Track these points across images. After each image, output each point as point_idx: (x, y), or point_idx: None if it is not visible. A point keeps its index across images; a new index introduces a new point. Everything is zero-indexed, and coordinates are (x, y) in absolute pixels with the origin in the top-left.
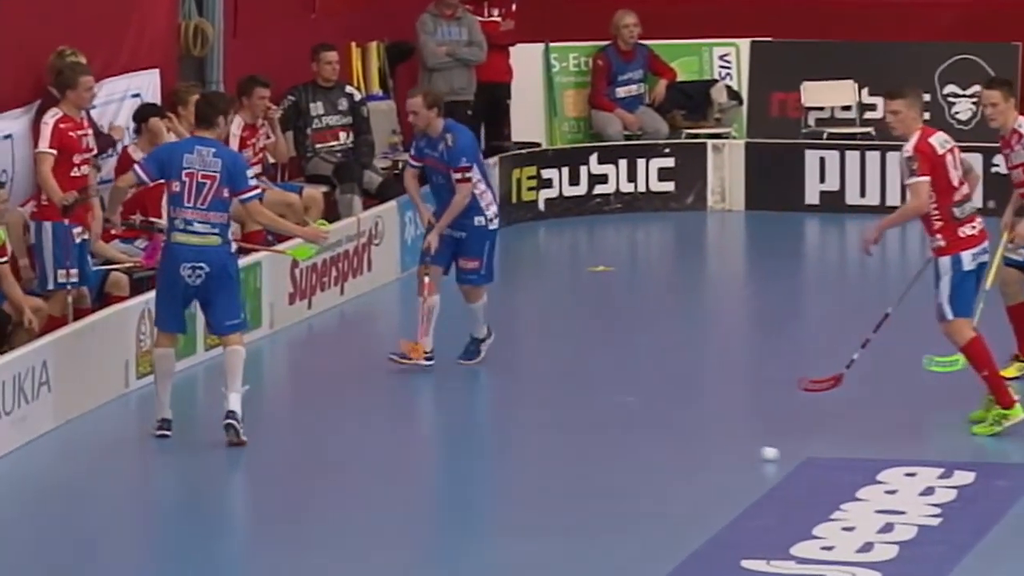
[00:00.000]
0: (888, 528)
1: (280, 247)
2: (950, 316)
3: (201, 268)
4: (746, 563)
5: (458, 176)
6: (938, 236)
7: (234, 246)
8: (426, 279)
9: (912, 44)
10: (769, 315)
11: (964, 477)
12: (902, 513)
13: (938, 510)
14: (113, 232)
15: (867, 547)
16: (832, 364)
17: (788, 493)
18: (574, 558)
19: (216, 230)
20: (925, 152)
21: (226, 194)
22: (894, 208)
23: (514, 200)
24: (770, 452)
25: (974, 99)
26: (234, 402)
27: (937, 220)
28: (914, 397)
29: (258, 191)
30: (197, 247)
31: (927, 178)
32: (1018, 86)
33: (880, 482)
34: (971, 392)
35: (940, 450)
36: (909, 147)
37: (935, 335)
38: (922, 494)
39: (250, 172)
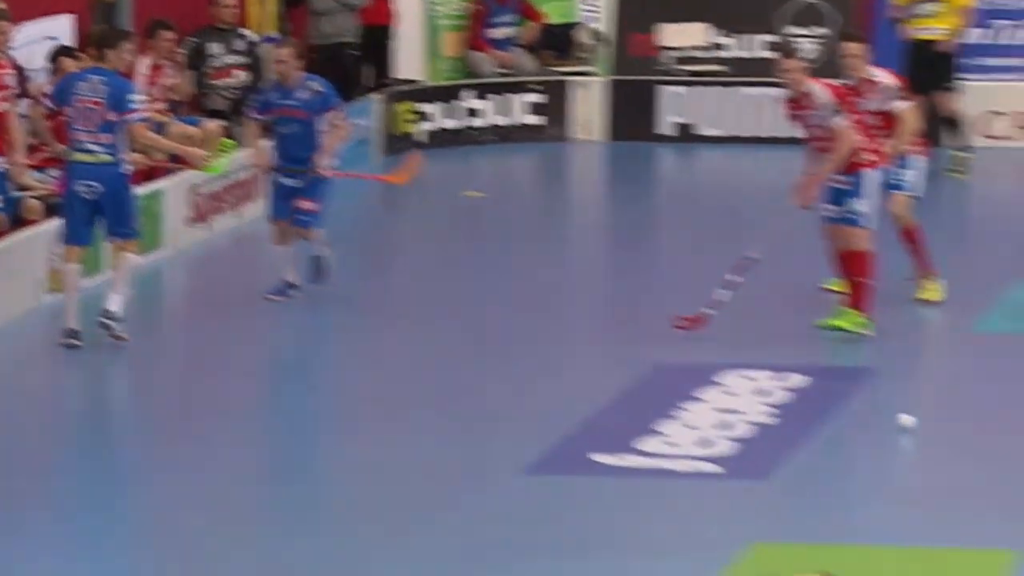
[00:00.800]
0: (727, 426)
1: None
2: (865, 225)
3: (95, 185)
4: (594, 456)
5: (334, 116)
6: (868, 153)
7: (127, 166)
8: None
9: None
10: (627, 235)
11: (799, 380)
12: (741, 412)
13: (775, 410)
14: (28, 162)
15: (707, 443)
16: (682, 279)
17: (636, 395)
18: (430, 456)
19: (107, 150)
20: (840, 95)
21: (113, 117)
22: (745, 139)
23: (395, 132)
24: (907, 420)
25: (816, 40)
26: (113, 303)
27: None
28: (758, 306)
29: (140, 114)
30: (91, 165)
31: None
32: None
33: (720, 384)
34: (812, 304)
35: (777, 355)
36: (825, 96)
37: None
38: (759, 395)
39: (136, 97)
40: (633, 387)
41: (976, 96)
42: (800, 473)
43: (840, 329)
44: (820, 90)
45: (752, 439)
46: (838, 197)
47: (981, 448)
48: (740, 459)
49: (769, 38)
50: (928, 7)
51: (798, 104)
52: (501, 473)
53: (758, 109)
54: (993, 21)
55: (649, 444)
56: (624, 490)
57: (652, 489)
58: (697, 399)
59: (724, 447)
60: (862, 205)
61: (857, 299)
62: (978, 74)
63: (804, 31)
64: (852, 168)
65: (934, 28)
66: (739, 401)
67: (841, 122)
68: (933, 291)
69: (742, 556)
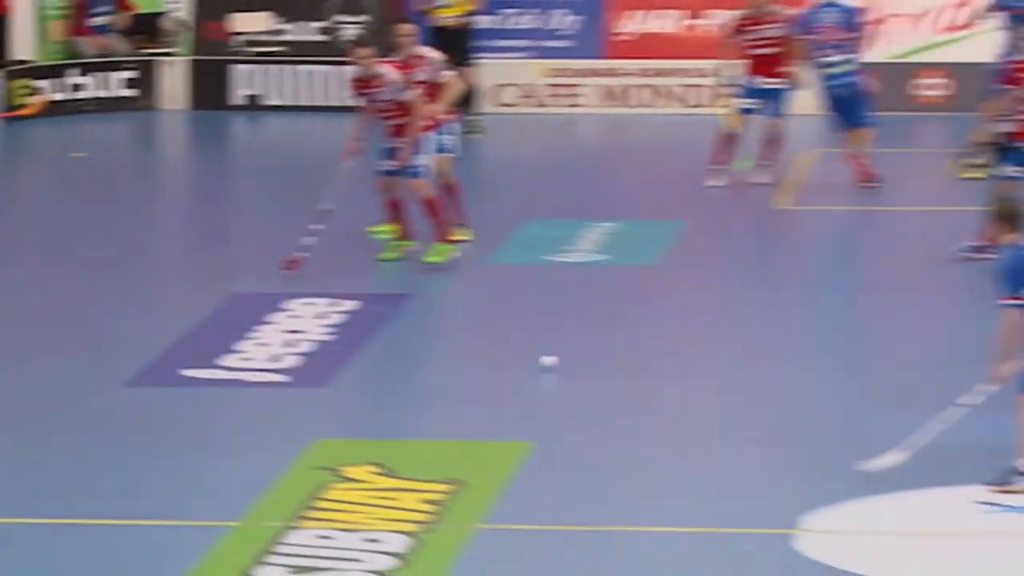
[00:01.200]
0: (293, 343)
1: None
2: (426, 176)
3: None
4: (184, 372)
5: None
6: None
7: None
8: None
9: None
10: (210, 189)
11: (352, 305)
12: (304, 332)
13: (333, 329)
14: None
15: (277, 358)
16: (260, 226)
17: (218, 320)
18: (46, 374)
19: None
20: (404, 72)
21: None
22: (304, 108)
23: (12, 104)
24: (548, 360)
25: (359, 25)
26: None
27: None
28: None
29: None
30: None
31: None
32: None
33: (287, 310)
34: (365, 244)
35: (334, 286)
36: (394, 75)
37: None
38: (319, 318)
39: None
40: (216, 313)
41: (489, 71)
42: (355, 381)
43: (438, 263)
44: (389, 70)
45: (314, 353)
46: (397, 154)
47: (492, 357)
48: (304, 370)
49: (320, 24)
50: None
51: (367, 83)
52: (105, 387)
53: (313, 82)
54: (502, 9)
55: (229, 360)
56: (209, 399)
57: (233, 398)
58: (268, 323)
59: (291, 361)
60: (423, 160)
61: (441, 234)
62: (490, 53)
63: (349, 18)
64: (415, 132)
65: (450, 16)
66: (303, 323)
67: (412, 95)
68: (464, 234)
69: (308, 451)
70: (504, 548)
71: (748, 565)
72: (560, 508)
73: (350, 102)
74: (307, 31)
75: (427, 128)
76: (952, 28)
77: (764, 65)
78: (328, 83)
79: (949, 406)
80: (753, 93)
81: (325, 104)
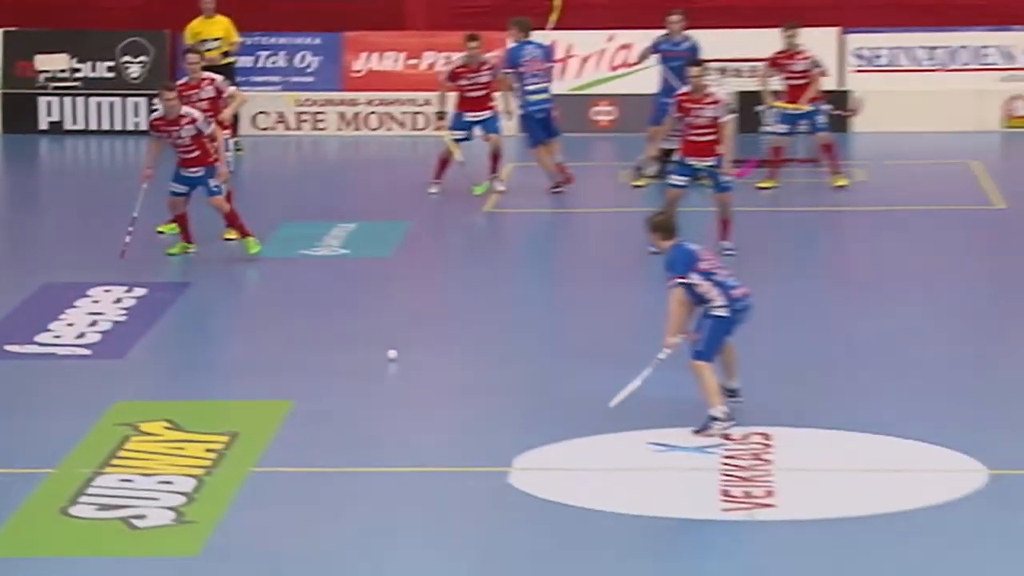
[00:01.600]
0: (95, 323)
1: None
2: (220, 193)
3: None
4: (7, 347)
5: None
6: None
7: None
8: None
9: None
10: (16, 198)
11: (142, 291)
12: (104, 314)
13: (126, 311)
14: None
15: (82, 335)
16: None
17: (33, 305)
18: None
19: None
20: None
21: None
22: (98, 131)
23: None
24: (392, 353)
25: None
26: None
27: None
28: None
29: None
30: None
31: None
32: (167, 68)
33: (90, 296)
34: (156, 240)
35: (127, 275)
36: (200, 115)
37: None
38: (116, 302)
39: None
40: (31, 300)
41: (247, 101)
42: (146, 353)
43: (256, 253)
44: (193, 111)
45: (112, 331)
46: (199, 179)
47: (259, 332)
48: (105, 345)
49: (109, 63)
50: None
51: (172, 122)
52: None
53: (102, 111)
54: (258, 51)
55: (43, 337)
56: (28, 369)
57: (47, 368)
58: (74, 307)
59: (94, 337)
60: (217, 181)
61: (243, 232)
62: (248, 86)
63: (132, 58)
64: (210, 161)
65: (215, 55)
66: (103, 306)
67: (211, 128)
68: (231, 233)
69: (110, 411)
70: (272, 487)
71: (471, 497)
72: (317, 454)
73: (132, 126)
74: (99, 69)
75: (216, 160)
76: (619, 66)
77: (475, 103)
78: (114, 111)
79: (651, 362)
80: (464, 125)
81: (112, 129)
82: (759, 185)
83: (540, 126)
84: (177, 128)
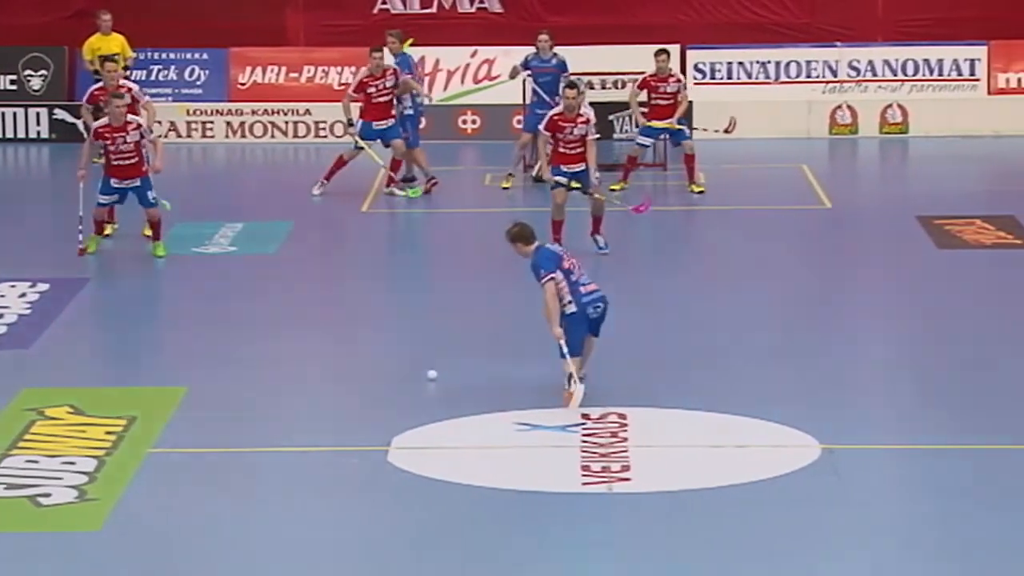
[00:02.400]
0: (1, 316)
1: None
2: (159, 204)
3: None
4: None
5: None
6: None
7: None
8: None
9: None
10: None
11: (44, 286)
12: (9, 307)
13: (29, 305)
14: None
15: None
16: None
17: None
18: None
19: None
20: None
21: None
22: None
23: None
24: (432, 373)
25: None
26: None
27: None
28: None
29: None
30: None
31: None
32: (66, 81)
33: None
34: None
35: (30, 271)
36: (140, 123)
37: None
38: (21, 296)
39: None
40: None
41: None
42: (50, 343)
43: (162, 256)
44: (139, 118)
45: (17, 323)
46: (131, 190)
47: (155, 322)
48: (11, 336)
49: (11, 77)
50: None
51: (116, 129)
52: None
53: (6, 120)
54: (151, 65)
55: None
56: None
57: None
58: None
59: (0, 329)
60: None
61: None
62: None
63: (33, 72)
64: (145, 171)
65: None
66: (8, 301)
67: (150, 136)
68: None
69: (16, 397)
70: (167, 466)
71: (353, 475)
72: (209, 436)
73: (34, 135)
74: (2, 82)
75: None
76: (482, 79)
77: (381, 110)
78: (17, 121)
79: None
80: (373, 134)
81: (15, 137)
82: (611, 187)
83: (414, 128)
84: (123, 134)
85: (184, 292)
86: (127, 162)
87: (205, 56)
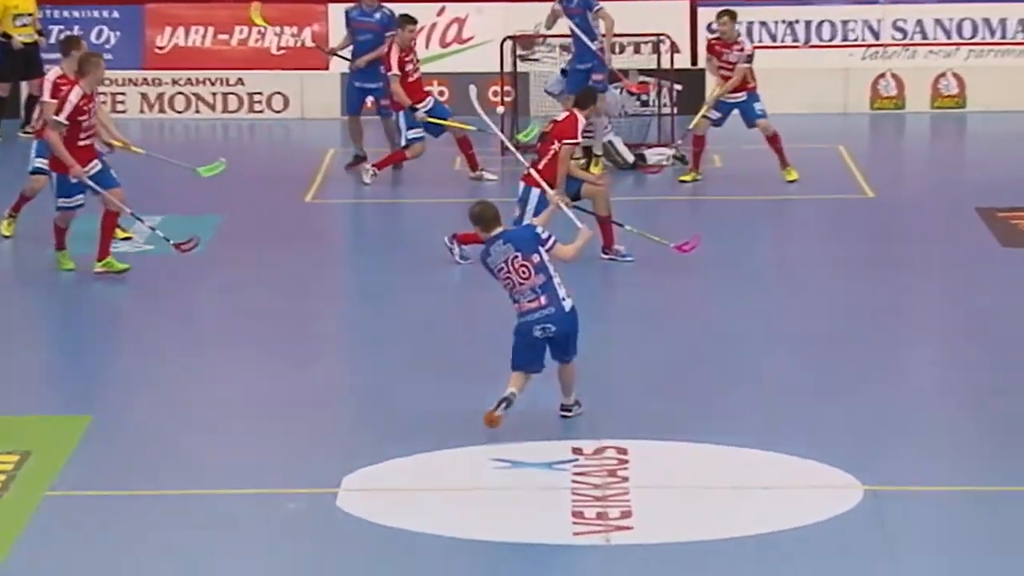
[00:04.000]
0: None
1: None
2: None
3: None
4: None
5: None
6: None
7: None
8: None
9: None
10: None
11: None
12: None
13: None
14: None
15: None
16: None
17: None
18: None
19: None
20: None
21: None
22: None
23: None
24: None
25: None
26: None
27: None
28: None
29: None
30: None
31: None
32: None
33: None
34: None
35: None
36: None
37: None
38: None
39: None
40: None
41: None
42: None
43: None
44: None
45: None
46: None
47: (58, 340)
48: None
49: None
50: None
51: (91, 99)
52: None
53: None
54: (49, 26)
55: None
56: None
57: None
58: None
59: None
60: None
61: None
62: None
63: None
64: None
65: (23, 35)
66: None
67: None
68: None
69: None
70: (69, 511)
71: (295, 523)
72: (119, 475)
73: None
74: None
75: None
76: (451, 42)
77: (419, 89)
78: None
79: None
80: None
81: None
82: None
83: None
84: (93, 104)
85: (90, 301)
86: (89, 139)
87: (116, 14)
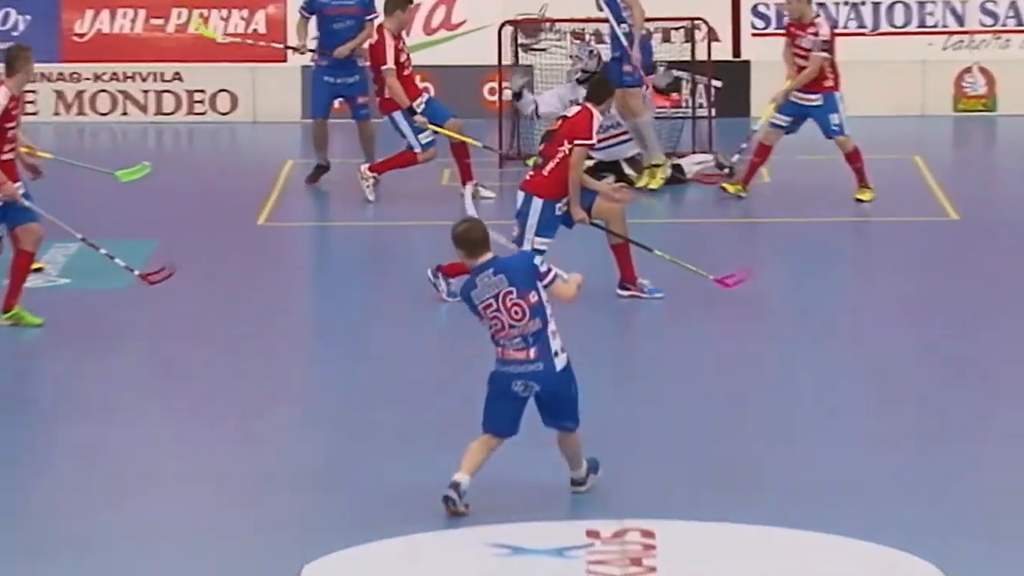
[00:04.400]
0: None
1: None
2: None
3: None
4: None
5: None
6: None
7: None
8: None
9: None
10: None
11: None
12: None
13: None
14: None
15: None
16: None
17: None
18: None
19: None
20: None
21: None
22: None
23: None
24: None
25: None
26: None
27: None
28: None
29: None
30: None
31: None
32: None
33: None
34: None
35: None
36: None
37: None
38: None
39: None
40: None
41: None
42: None
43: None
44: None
45: None
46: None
47: None
48: None
49: None
50: None
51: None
52: None
53: None
54: None
55: None
56: None
57: None
58: None
59: None
60: None
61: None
62: None
63: None
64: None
65: None
66: None
67: None
68: None
69: None
70: None
71: None
72: (28, 562)
73: None
74: None
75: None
76: (437, 28)
77: (414, 84)
78: None
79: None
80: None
81: None
82: (725, 186)
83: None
84: (20, 109)
85: None
86: (13, 155)
87: None
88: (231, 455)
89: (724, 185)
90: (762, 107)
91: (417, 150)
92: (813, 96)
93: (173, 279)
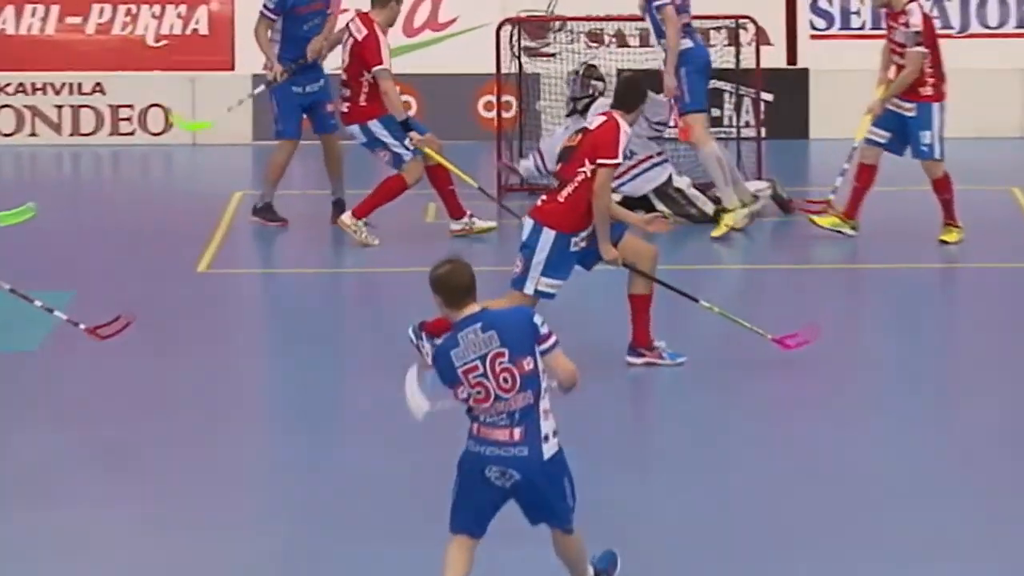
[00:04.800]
0: None
1: None
2: None
3: None
4: None
5: None
6: None
7: None
8: None
9: None
10: None
11: None
12: None
13: None
14: None
15: None
16: None
17: None
18: None
19: None
20: None
21: None
22: None
23: None
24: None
25: None
26: None
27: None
28: None
29: None
30: None
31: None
32: None
33: None
34: None
35: None
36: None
37: None
38: None
39: None
40: None
41: None
42: None
43: None
44: None
45: None
46: None
47: None
48: None
49: None
50: None
51: None
52: None
53: None
54: None
55: None
56: None
57: None
58: None
59: None
60: None
61: None
62: None
63: None
64: None
65: None
66: None
67: None
68: None
69: None
70: None
71: None
72: None
73: None
74: None
75: None
76: (420, 29)
77: None
78: None
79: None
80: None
81: None
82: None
83: None
84: None
85: None
86: None
87: None
88: (172, 541)
89: (814, 219)
90: (822, 125)
91: (406, 157)
92: (908, 105)
93: (91, 343)
